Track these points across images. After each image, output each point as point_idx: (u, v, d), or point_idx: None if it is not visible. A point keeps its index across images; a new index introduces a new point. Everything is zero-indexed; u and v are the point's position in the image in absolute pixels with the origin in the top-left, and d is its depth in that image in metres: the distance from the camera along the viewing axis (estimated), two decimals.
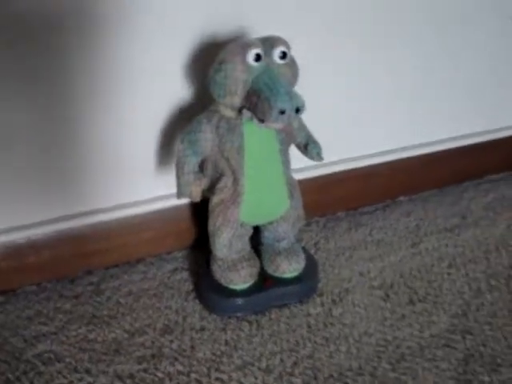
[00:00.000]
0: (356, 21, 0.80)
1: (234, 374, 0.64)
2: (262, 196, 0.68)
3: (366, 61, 0.84)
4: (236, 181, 0.66)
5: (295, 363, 0.66)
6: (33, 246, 0.75)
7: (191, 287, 0.77)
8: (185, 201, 0.80)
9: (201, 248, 0.82)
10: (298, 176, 0.83)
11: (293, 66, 0.62)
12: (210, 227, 0.70)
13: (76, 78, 0.68)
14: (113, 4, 0.65)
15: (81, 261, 0.78)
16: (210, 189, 0.69)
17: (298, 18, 0.76)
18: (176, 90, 0.74)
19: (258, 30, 0.69)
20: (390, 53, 0.86)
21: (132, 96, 0.72)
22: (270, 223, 0.72)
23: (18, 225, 0.73)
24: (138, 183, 0.78)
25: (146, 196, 0.79)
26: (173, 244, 0.84)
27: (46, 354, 0.67)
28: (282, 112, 0.56)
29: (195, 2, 0.69)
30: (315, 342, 0.69)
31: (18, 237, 0.74)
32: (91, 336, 0.69)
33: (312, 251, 0.84)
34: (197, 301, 0.75)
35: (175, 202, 0.79)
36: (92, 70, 0.68)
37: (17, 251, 0.74)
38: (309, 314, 0.73)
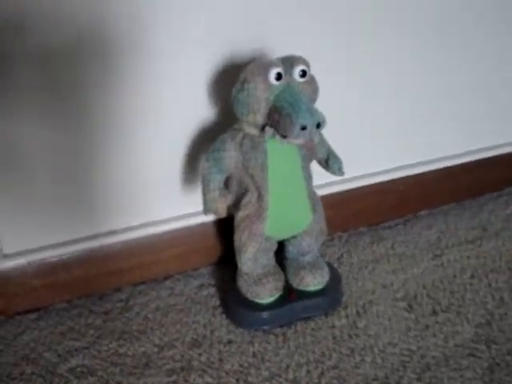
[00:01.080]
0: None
1: None
2: (285, 210, 0.70)
3: (384, 76, 0.87)
4: (260, 197, 0.68)
5: (321, 374, 0.67)
6: (64, 265, 0.77)
7: (218, 302, 0.79)
8: (210, 218, 0.83)
9: (227, 264, 0.84)
10: (320, 192, 0.85)
11: (312, 83, 0.65)
12: (236, 242, 0.72)
13: (102, 100, 0.71)
14: (136, 27, 0.69)
15: (110, 278, 0.80)
16: (236, 205, 0.71)
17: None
18: (200, 111, 0.77)
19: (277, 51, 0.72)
20: (410, 67, 0.88)
21: (157, 117, 0.75)
22: (294, 237, 0.74)
23: (51, 243, 0.76)
24: (164, 202, 0.80)
25: (172, 214, 0.81)
26: (199, 260, 0.86)
27: (78, 368, 0.69)
28: (304, 128, 0.58)
29: (216, 26, 0.72)
30: (340, 352, 0.70)
31: (50, 255, 0.76)
32: (121, 350, 0.71)
33: (335, 265, 0.85)
34: (224, 315, 0.76)
35: (201, 219, 0.82)
36: (117, 93, 0.71)
37: (49, 269, 0.76)
38: (333, 326, 0.74)
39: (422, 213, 1.00)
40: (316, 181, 0.83)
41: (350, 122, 0.87)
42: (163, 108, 0.74)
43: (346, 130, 0.86)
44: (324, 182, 0.88)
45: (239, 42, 0.74)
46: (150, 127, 0.75)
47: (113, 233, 0.78)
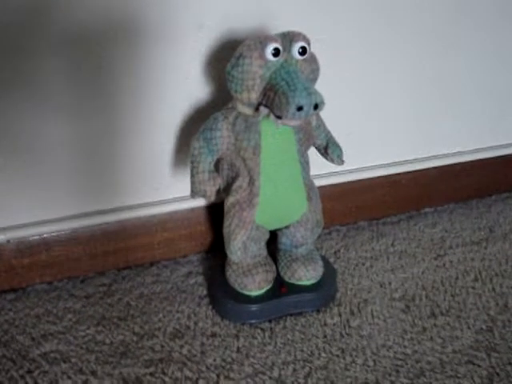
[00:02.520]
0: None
1: (243, 383, 0.61)
2: (278, 198, 0.65)
3: (395, 66, 0.82)
4: (252, 181, 0.64)
5: (308, 374, 0.63)
6: (45, 244, 0.73)
7: (205, 292, 0.75)
8: (202, 203, 0.79)
9: (218, 252, 0.80)
10: (319, 182, 0.81)
11: (313, 61, 0.60)
12: (225, 229, 0.68)
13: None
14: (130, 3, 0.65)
15: (93, 261, 0.77)
16: (226, 189, 0.67)
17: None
18: (194, 90, 0.73)
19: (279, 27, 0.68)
20: (415, 63, 0.83)
21: (149, 98, 0.71)
22: (287, 228, 0.70)
23: (31, 221, 0.72)
24: (153, 184, 0.76)
25: (161, 197, 0.77)
26: (189, 247, 0.82)
27: (52, 354, 0.65)
28: (300, 108, 0.53)
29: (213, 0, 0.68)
30: (330, 352, 0.66)
31: (31, 233, 0.72)
32: (99, 337, 0.67)
33: (331, 260, 0.81)
34: (210, 306, 0.72)
35: (192, 203, 0.78)
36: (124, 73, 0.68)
37: (29, 248, 0.73)
38: (325, 324, 0.70)
39: (427, 210, 0.96)
40: (315, 171, 0.79)
41: (356, 110, 0.82)
42: (154, 88, 0.70)
43: (350, 118, 0.82)
44: (324, 172, 0.84)
45: (237, 17, 0.70)
46: (140, 108, 0.71)
47: (98, 213, 0.74)
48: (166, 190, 0.77)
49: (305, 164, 0.66)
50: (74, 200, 0.74)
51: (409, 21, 0.79)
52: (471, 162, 0.95)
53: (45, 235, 0.73)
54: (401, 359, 0.65)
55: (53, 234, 0.73)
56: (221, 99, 0.72)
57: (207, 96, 0.73)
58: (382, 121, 0.86)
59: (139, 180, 0.75)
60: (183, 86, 0.71)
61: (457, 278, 0.78)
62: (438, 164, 0.92)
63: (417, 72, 0.84)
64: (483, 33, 0.86)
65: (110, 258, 0.77)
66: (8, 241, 0.72)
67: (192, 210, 0.79)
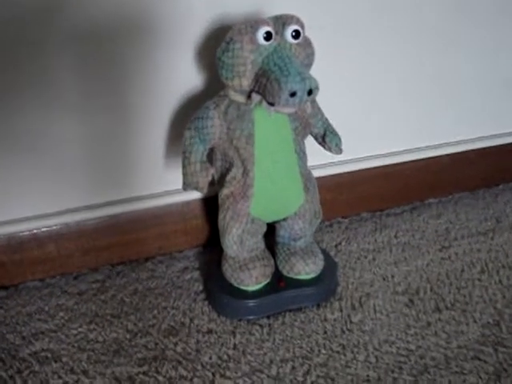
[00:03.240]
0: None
1: (240, 381, 0.59)
2: (274, 188, 0.63)
3: (398, 51, 0.79)
4: (246, 172, 0.61)
5: (308, 372, 0.60)
6: (36, 240, 0.71)
7: (201, 288, 0.73)
8: (199, 196, 0.76)
9: (215, 246, 0.77)
10: (320, 173, 0.79)
11: (307, 46, 0.57)
12: (220, 222, 0.66)
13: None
14: None
15: (86, 256, 0.74)
16: (219, 181, 0.65)
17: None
18: (187, 78, 0.70)
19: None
20: (422, 50, 0.80)
21: (140, 87, 0.68)
22: (285, 220, 0.67)
23: (21, 217, 0.70)
24: (148, 176, 0.74)
25: (156, 190, 0.75)
26: (185, 241, 0.79)
27: (42, 353, 0.63)
28: (293, 94, 0.51)
29: None
30: (331, 349, 0.63)
31: (21, 229, 0.70)
32: (91, 335, 0.65)
33: (332, 253, 0.79)
34: (206, 302, 0.70)
35: (188, 196, 0.76)
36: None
37: (19, 244, 0.71)
38: (325, 319, 0.67)
39: (431, 200, 0.93)
40: (316, 161, 0.77)
41: (355, 97, 0.80)
42: (147, 76, 0.68)
43: (350, 105, 0.80)
44: (325, 162, 0.81)
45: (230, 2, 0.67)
46: (132, 98, 0.68)
47: (90, 208, 0.72)
48: (160, 183, 0.75)
49: (301, 153, 0.63)
50: (66, 195, 0.71)
51: (408, 18, 0.77)
52: (476, 150, 0.92)
53: (35, 231, 0.71)
54: (404, 355, 0.62)
55: (44, 229, 0.71)
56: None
57: (199, 84, 0.71)
58: (383, 109, 0.83)
59: (132, 173, 0.73)
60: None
61: (462, 271, 0.76)
62: (444, 153, 0.90)
63: (422, 56, 0.81)
64: (483, 30, 0.83)
65: (103, 253, 0.75)
66: None
67: (187, 203, 0.76)
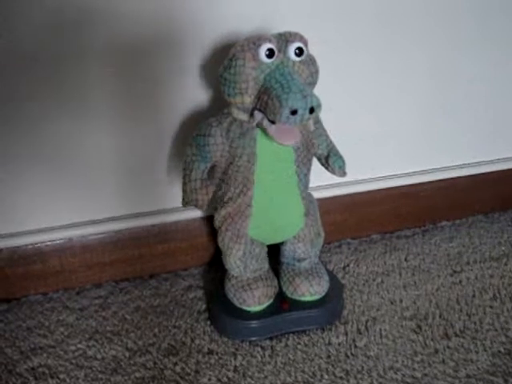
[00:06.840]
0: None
1: None
2: (272, 208, 0.62)
3: (411, 68, 0.78)
4: (244, 191, 0.60)
5: None
6: (40, 254, 0.71)
7: (204, 307, 0.71)
8: (204, 213, 0.75)
9: (220, 265, 0.76)
10: (330, 193, 0.78)
11: (311, 64, 0.56)
12: (220, 244, 0.65)
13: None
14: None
15: (89, 272, 0.74)
16: (217, 200, 0.63)
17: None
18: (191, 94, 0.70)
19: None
20: (443, 59, 0.79)
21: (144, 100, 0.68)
22: (285, 243, 0.66)
23: (25, 230, 0.70)
24: (152, 193, 0.73)
25: (161, 206, 0.74)
26: (190, 259, 0.78)
27: (40, 369, 0.62)
28: (294, 112, 0.50)
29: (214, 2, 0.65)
30: (334, 374, 0.61)
31: (25, 243, 0.70)
32: (90, 352, 0.64)
33: (340, 274, 0.77)
34: (208, 322, 0.69)
35: (194, 214, 0.75)
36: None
37: (23, 258, 0.70)
38: (329, 343, 0.66)
39: (444, 223, 0.90)
40: (325, 181, 0.75)
41: (365, 116, 0.78)
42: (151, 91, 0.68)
43: (362, 124, 0.78)
44: (334, 182, 0.80)
45: (237, 19, 0.67)
46: (135, 112, 0.68)
47: (94, 223, 0.72)
48: (166, 200, 0.74)
49: (302, 175, 0.62)
50: (70, 209, 0.71)
51: (417, 26, 0.75)
52: (493, 173, 0.89)
53: (39, 245, 0.70)
54: (409, 383, 0.60)
55: (48, 243, 0.71)
56: None
57: (206, 100, 0.70)
58: (396, 131, 0.81)
59: (136, 189, 0.72)
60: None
61: (473, 296, 0.73)
62: (458, 175, 0.87)
63: (435, 72, 0.80)
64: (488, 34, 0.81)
65: (107, 269, 0.74)
66: (1, 250, 0.69)
67: (193, 220, 0.76)
